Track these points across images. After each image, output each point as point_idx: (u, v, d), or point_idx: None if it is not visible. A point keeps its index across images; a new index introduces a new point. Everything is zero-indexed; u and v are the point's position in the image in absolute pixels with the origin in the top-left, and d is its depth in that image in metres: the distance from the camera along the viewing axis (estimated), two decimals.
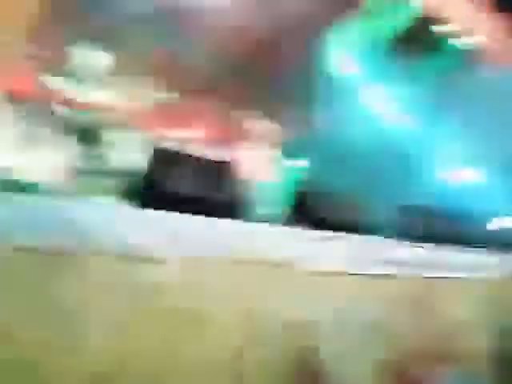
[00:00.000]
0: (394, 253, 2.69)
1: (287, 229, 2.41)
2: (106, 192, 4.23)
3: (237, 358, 1.98)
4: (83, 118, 4.04)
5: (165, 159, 2.24)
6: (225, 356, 1.94)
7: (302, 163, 6.49)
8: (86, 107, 4.08)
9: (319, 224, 2.52)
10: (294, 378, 2.12)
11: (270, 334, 2.09)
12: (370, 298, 2.46)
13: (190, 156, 2.89)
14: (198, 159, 2.80)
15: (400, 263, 2.66)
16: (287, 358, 2.11)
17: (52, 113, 3.92)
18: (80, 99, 3.74)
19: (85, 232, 1.70)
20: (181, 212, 2.04)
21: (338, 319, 2.30)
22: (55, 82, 3.53)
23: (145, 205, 2.01)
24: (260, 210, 5.13)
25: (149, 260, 1.82)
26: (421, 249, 2.81)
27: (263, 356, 2.05)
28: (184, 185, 2.20)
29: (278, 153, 6.38)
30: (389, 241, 2.71)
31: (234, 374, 1.97)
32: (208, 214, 2.13)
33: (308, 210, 2.76)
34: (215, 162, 2.78)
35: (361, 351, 2.34)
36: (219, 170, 2.39)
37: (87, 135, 4.11)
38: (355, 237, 2.58)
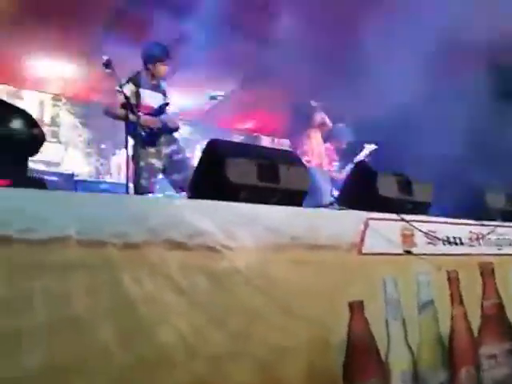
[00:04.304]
0: None
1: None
2: (175, 187, 4.37)
3: None
4: (149, 120, 4.16)
5: (225, 151, 2.22)
6: None
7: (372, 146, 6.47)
8: (150, 109, 4.20)
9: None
10: None
11: None
12: None
13: (253, 146, 2.88)
14: (260, 148, 2.80)
15: None
16: None
17: (119, 116, 4.05)
18: (145, 102, 3.83)
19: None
20: (246, 202, 2.05)
21: None
22: (126, 89, 3.63)
23: (210, 196, 2.00)
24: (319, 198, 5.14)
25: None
26: None
27: None
28: (249, 175, 2.17)
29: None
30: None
31: None
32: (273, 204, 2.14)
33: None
34: (279, 150, 2.77)
35: None
36: (284, 159, 2.34)
37: (154, 136, 4.23)
38: None
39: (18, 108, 1.96)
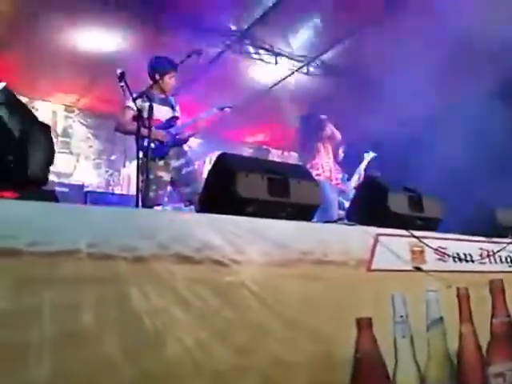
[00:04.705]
0: None
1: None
2: (183, 200, 4.38)
3: None
4: (158, 133, 4.18)
5: (236, 165, 2.22)
6: None
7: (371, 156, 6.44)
8: (158, 123, 4.22)
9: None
10: None
11: None
12: None
13: (263, 160, 2.88)
14: (271, 163, 2.80)
15: None
16: None
17: (129, 132, 4.09)
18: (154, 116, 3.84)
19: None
20: (256, 216, 2.05)
21: None
22: (138, 103, 3.65)
23: (219, 210, 2.00)
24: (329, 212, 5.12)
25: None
26: None
27: None
28: (259, 189, 2.17)
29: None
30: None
31: None
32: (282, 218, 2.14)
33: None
34: (289, 165, 2.78)
35: None
36: (294, 174, 2.35)
37: (163, 149, 4.26)
38: None
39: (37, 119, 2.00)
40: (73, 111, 8.15)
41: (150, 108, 3.56)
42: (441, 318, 2.37)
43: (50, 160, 1.91)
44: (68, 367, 1.43)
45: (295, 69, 7.03)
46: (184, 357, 1.63)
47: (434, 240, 2.52)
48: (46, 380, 1.39)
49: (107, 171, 8.22)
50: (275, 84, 7.34)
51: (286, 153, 10.23)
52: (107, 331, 1.51)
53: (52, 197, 1.83)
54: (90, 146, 8.23)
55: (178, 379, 1.61)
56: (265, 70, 6.98)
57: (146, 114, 3.60)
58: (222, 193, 2.18)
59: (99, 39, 6.09)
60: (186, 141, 4.51)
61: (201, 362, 1.66)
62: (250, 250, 1.91)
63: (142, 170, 3.56)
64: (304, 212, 2.32)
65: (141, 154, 3.64)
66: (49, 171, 1.93)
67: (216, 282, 1.79)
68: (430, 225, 2.72)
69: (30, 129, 1.83)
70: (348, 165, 6.51)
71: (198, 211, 2.77)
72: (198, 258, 1.77)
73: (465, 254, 2.62)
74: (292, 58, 6.81)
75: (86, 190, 6.39)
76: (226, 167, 2.24)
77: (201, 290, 1.73)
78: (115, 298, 1.55)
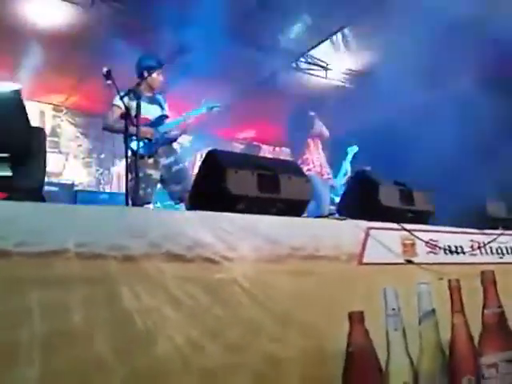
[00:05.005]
0: None
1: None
2: (174, 198, 4.36)
3: None
4: (146, 130, 4.16)
5: (225, 161, 2.21)
6: None
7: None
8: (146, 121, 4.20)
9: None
10: None
11: None
12: None
13: (253, 156, 2.87)
14: (261, 159, 2.80)
15: None
16: None
17: (117, 130, 4.07)
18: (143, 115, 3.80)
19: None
20: (246, 213, 2.04)
21: None
22: (125, 100, 3.61)
23: (209, 207, 1.99)
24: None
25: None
26: None
27: None
28: (249, 185, 2.16)
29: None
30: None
31: None
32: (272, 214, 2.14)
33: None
34: (279, 161, 2.78)
35: None
36: (284, 170, 2.34)
37: (152, 146, 4.24)
38: None
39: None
40: (61, 110, 8.10)
41: (138, 106, 3.54)
42: (433, 311, 2.38)
43: (46, 164, 1.92)
44: (58, 367, 1.42)
45: (285, 65, 7.01)
46: (175, 355, 1.63)
47: (425, 233, 2.53)
48: (36, 379, 1.38)
49: (97, 170, 8.18)
50: (265, 80, 7.32)
51: (277, 148, 10.22)
52: (97, 331, 1.50)
53: (38, 196, 1.82)
54: (79, 145, 8.18)
55: (169, 378, 1.61)
56: (255, 67, 6.95)
57: (133, 113, 3.58)
58: (212, 190, 2.17)
59: (86, 37, 6.03)
60: (175, 139, 4.50)
61: (192, 361, 1.65)
62: (242, 246, 1.91)
63: (131, 168, 3.54)
64: (295, 207, 2.31)
65: (129, 153, 3.62)
66: (45, 174, 1.94)
67: (207, 279, 1.78)
68: (421, 218, 2.73)
69: (33, 135, 1.83)
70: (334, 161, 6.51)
71: (188, 209, 2.75)
72: (190, 256, 1.76)
73: (456, 246, 2.63)
74: (281, 54, 6.79)
75: (75, 188, 6.35)
76: (215, 164, 2.23)
77: (192, 288, 1.73)
78: (105, 297, 1.54)
